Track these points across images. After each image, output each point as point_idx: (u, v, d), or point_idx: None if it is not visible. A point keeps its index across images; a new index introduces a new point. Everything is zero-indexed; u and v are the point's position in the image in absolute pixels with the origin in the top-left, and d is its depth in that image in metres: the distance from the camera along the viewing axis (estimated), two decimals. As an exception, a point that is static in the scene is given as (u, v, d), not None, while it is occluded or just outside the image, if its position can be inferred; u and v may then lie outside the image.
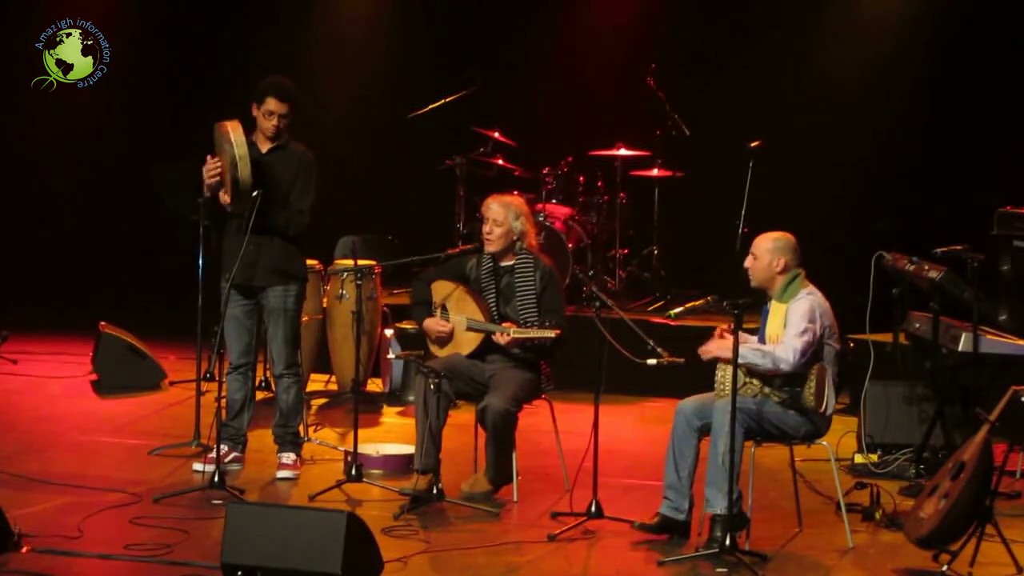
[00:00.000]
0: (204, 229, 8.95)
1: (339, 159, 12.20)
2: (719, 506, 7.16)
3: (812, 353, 7.25)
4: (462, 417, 8.94)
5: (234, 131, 8.00)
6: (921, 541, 6.94)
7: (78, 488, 7.90)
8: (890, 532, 7.64)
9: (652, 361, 7.53)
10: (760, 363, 7.22)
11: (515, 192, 9.94)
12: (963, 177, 11.92)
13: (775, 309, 7.43)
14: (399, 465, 8.57)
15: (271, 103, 8.27)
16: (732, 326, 7.19)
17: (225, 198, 8.18)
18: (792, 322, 7.27)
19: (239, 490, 7.92)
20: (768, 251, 7.42)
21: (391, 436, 9.45)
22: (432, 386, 7.81)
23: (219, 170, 8.13)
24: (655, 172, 12.26)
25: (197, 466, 8.40)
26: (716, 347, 7.29)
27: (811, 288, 7.42)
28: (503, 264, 8.18)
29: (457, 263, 8.34)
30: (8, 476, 8.04)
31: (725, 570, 6.97)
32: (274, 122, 8.27)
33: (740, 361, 7.12)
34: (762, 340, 7.45)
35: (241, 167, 7.96)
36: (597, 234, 12.15)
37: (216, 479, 7.82)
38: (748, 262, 7.50)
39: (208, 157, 8.21)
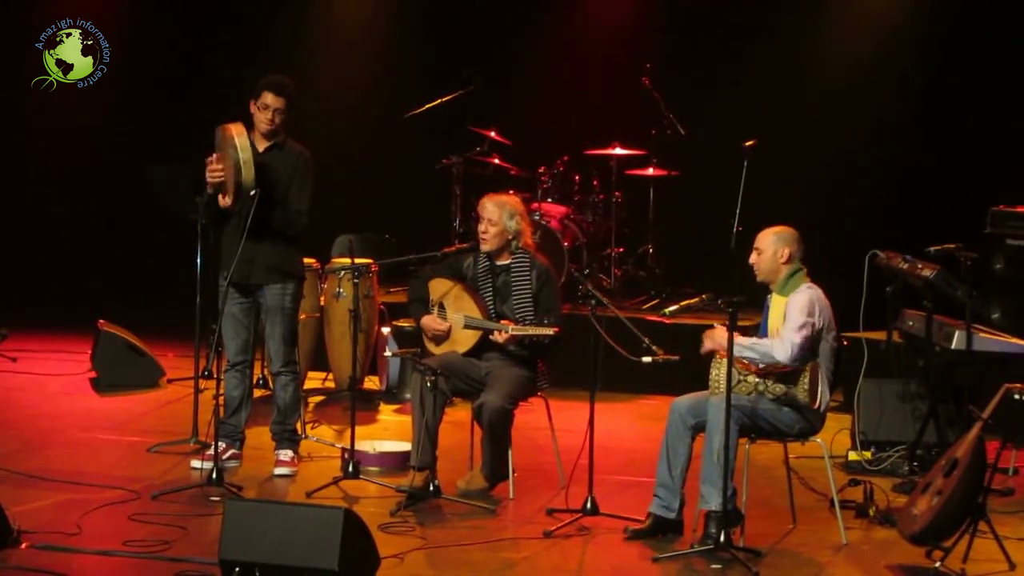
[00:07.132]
0: (202, 228, 8.97)
1: (336, 158, 12.25)
2: (714, 503, 7.18)
3: (810, 348, 7.29)
4: (458, 414, 8.97)
5: (239, 136, 8.01)
6: (914, 538, 6.96)
7: (77, 485, 7.92)
8: (884, 529, 7.67)
9: (647, 359, 7.54)
10: (758, 359, 7.25)
11: (511, 191, 9.97)
12: (957, 176, 11.96)
13: (776, 302, 7.45)
14: (396, 462, 8.60)
15: (267, 97, 8.30)
16: (727, 324, 7.21)
17: (225, 200, 8.20)
18: (791, 316, 7.29)
19: (237, 487, 7.95)
20: (772, 243, 7.44)
21: (388, 433, 9.49)
22: (429, 383, 7.83)
23: (222, 173, 8.16)
24: (650, 171, 12.29)
25: (195, 463, 8.44)
26: (718, 337, 7.30)
27: (811, 283, 7.44)
28: (499, 263, 8.21)
29: (454, 261, 8.37)
30: (7, 473, 8.06)
31: (719, 566, 6.99)
32: (268, 115, 8.28)
33: (738, 355, 7.16)
34: (764, 334, 7.46)
35: (245, 171, 7.98)
36: (593, 233, 12.18)
37: (214, 476, 7.84)
38: (753, 258, 7.50)
39: (208, 159, 8.23)
